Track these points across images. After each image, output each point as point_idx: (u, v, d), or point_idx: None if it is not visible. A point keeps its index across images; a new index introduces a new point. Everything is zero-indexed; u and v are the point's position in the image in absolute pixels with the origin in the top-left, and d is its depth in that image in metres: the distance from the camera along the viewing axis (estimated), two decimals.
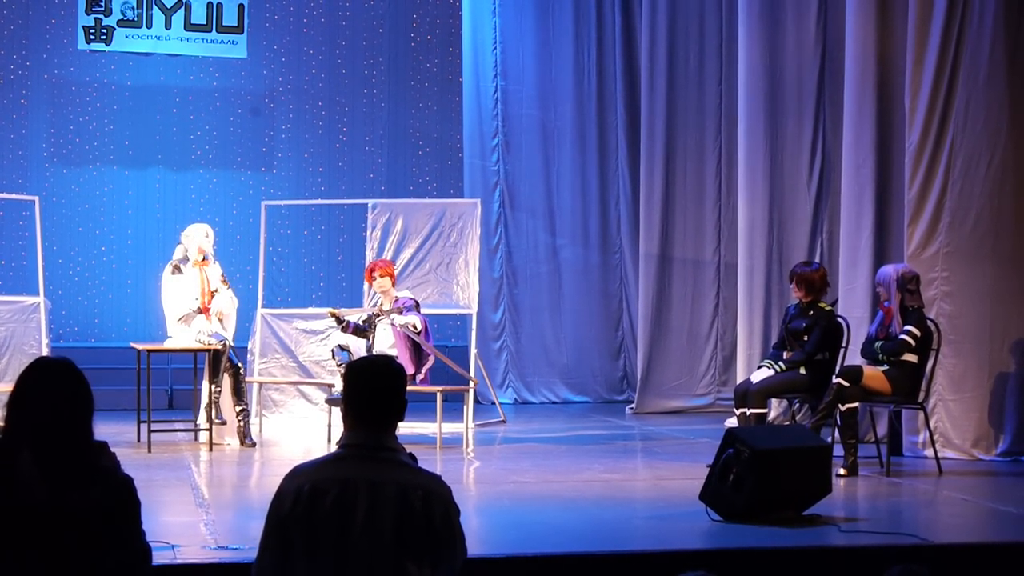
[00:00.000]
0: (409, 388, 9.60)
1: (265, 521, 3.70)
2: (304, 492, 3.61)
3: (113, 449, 3.73)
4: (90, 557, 3.55)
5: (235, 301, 10.11)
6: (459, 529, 3.68)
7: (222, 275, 10.06)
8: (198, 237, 9.93)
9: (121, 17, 13.69)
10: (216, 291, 9.90)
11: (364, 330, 10.04)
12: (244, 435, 9.80)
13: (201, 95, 14.16)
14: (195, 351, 9.81)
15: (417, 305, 10.00)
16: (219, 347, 9.70)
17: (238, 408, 9.83)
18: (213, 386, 9.72)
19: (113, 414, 10.31)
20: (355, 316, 10.16)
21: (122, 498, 3.61)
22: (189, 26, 13.85)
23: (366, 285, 10.96)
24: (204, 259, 9.94)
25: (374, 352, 9.68)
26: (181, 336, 9.85)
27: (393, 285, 10.10)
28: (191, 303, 9.83)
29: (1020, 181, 9.33)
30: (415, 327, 9.75)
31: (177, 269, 9.90)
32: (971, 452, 9.24)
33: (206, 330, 9.80)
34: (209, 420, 9.66)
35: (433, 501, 3.60)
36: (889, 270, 8.75)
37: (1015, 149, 9.28)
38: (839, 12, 10.75)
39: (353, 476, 3.61)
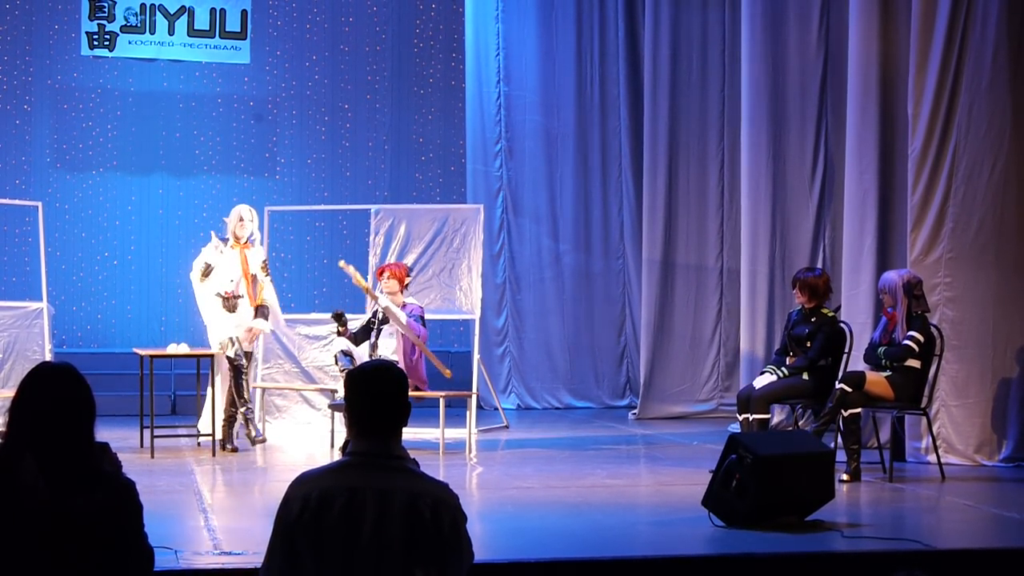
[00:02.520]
0: (412, 394, 9.59)
1: (272, 528, 3.70)
2: (312, 499, 3.61)
3: (116, 454, 3.74)
4: (93, 562, 3.55)
5: (272, 291, 10.09)
6: (466, 536, 3.69)
7: (264, 261, 10.03)
8: (232, 222, 9.94)
9: (124, 23, 13.72)
10: (255, 276, 9.89)
11: (360, 334, 9.99)
12: (252, 433, 9.88)
13: (204, 101, 14.18)
14: (198, 356, 9.79)
15: (422, 316, 9.97)
16: (237, 356, 9.72)
17: (243, 409, 9.87)
18: (241, 408, 9.80)
19: (116, 420, 10.30)
20: (358, 323, 10.13)
21: (124, 503, 3.62)
22: (192, 32, 13.87)
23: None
24: (247, 242, 9.93)
25: (377, 356, 9.66)
26: (220, 324, 9.82)
27: (401, 291, 10.02)
28: (227, 284, 9.83)
29: (1023, 187, 9.33)
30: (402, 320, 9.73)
31: (208, 267, 9.83)
32: (974, 458, 9.23)
33: (244, 324, 9.82)
34: (221, 433, 9.76)
35: (442, 509, 3.61)
36: (894, 276, 8.75)
37: (1018, 155, 9.29)
38: (841, 18, 10.76)
39: (361, 484, 3.61)
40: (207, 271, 9.81)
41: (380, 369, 3.79)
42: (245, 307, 9.91)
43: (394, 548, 3.56)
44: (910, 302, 8.63)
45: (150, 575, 3.73)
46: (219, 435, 9.80)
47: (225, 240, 9.92)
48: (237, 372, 9.82)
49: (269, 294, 10.04)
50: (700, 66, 13.06)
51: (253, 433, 9.84)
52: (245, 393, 9.86)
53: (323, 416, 10.75)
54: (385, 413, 3.69)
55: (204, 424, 9.92)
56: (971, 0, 9.24)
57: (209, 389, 9.79)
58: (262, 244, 10.08)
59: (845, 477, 8.31)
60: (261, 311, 9.98)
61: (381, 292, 9.91)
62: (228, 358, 9.76)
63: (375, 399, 3.70)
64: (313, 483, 3.66)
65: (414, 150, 14.55)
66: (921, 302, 8.69)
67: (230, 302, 9.86)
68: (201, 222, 14.09)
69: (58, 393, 3.64)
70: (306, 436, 10.82)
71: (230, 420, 9.86)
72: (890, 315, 8.71)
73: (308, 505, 3.60)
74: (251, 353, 10.02)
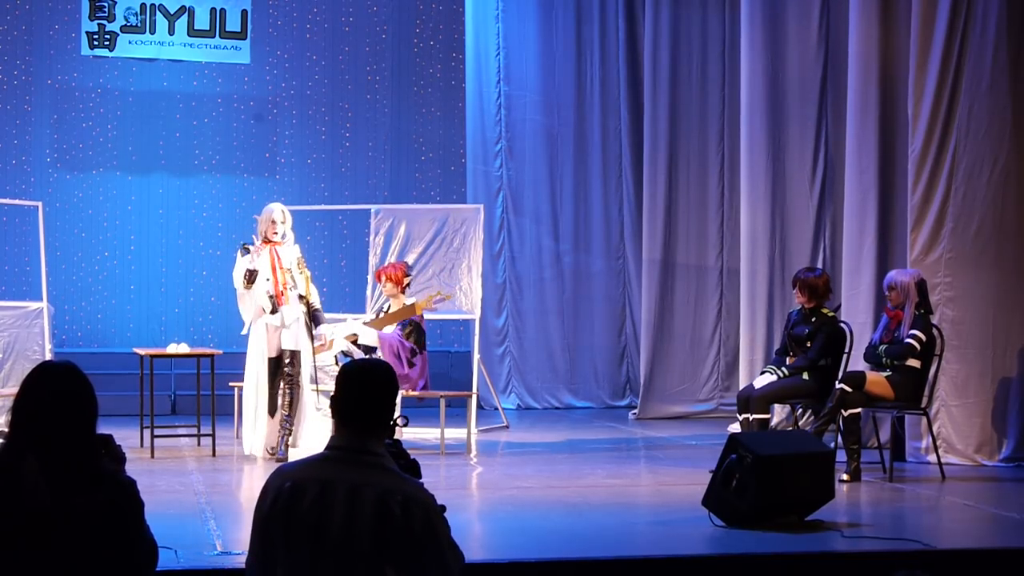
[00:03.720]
0: (412, 393, 9.58)
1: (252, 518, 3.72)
2: (284, 490, 3.62)
3: (119, 446, 3.74)
4: (94, 561, 3.55)
5: (314, 290, 9.33)
6: (445, 536, 3.63)
7: (299, 258, 9.26)
8: (264, 223, 9.26)
9: (125, 23, 13.71)
10: (289, 270, 9.15)
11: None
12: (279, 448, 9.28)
13: (204, 101, 14.18)
14: (198, 356, 9.77)
15: (421, 319, 10.00)
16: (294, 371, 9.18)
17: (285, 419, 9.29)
18: (279, 417, 9.18)
19: (116, 419, 10.28)
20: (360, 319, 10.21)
21: (125, 501, 3.62)
22: (192, 32, 13.87)
23: (369, 288, 10.97)
24: (279, 242, 9.23)
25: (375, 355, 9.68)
26: (265, 333, 9.18)
27: (402, 292, 10.08)
28: (263, 284, 9.12)
29: (1023, 187, 9.34)
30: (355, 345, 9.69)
31: (246, 249, 9.24)
32: (974, 457, 9.24)
33: (291, 327, 9.14)
34: (276, 440, 9.16)
35: (413, 507, 3.56)
36: (904, 275, 8.72)
37: (1018, 155, 9.29)
38: (842, 18, 10.76)
39: (334, 477, 3.60)
40: (252, 277, 9.12)
41: (368, 366, 3.79)
42: (283, 308, 9.16)
43: (363, 544, 3.54)
44: (919, 301, 8.65)
45: (154, 567, 3.74)
46: (271, 442, 9.27)
47: (252, 243, 9.30)
48: (293, 384, 9.26)
49: (312, 293, 9.29)
50: (700, 66, 13.06)
51: (282, 448, 9.24)
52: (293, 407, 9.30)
53: (323, 416, 10.74)
54: (366, 409, 3.68)
55: (251, 443, 9.30)
56: (971, 0, 9.24)
57: (250, 401, 9.27)
58: (293, 243, 9.35)
59: (845, 477, 8.31)
60: (316, 316, 9.25)
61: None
62: (287, 374, 9.20)
63: (358, 395, 3.69)
64: (288, 474, 3.67)
65: (414, 150, 14.55)
66: (925, 301, 8.71)
67: (271, 302, 9.14)
68: (201, 222, 14.11)
69: (62, 392, 3.63)
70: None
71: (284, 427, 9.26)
72: (892, 313, 8.71)
73: (280, 496, 3.61)
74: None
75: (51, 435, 3.57)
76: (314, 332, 9.23)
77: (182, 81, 14.12)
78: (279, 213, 9.27)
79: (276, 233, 9.22)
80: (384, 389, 3.72)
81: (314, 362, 9.35)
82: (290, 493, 3.60)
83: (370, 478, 3.60)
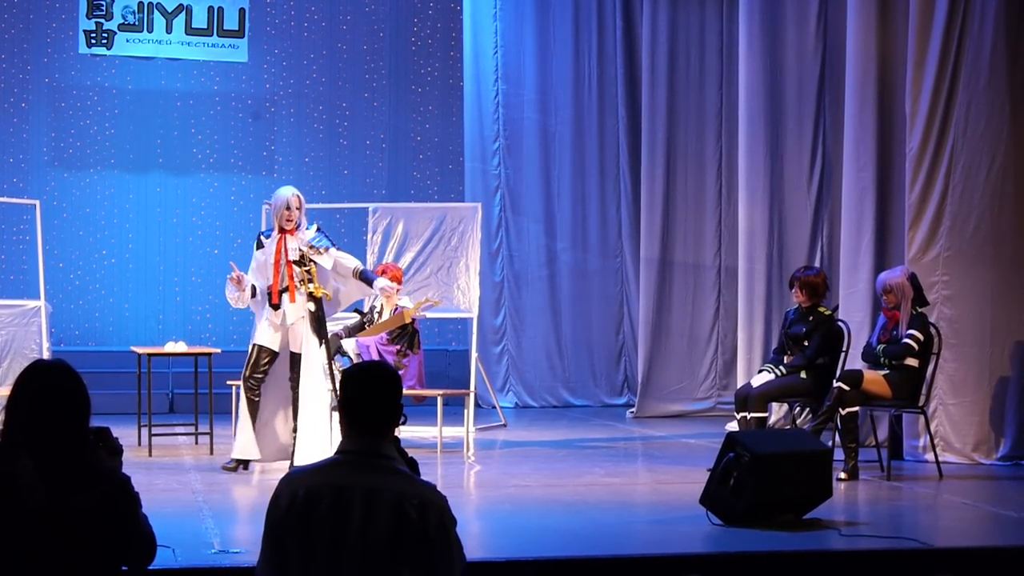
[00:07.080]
0: (415, 392, 9.52)
1: (263, 525, 3.71)
2: (299, 497, 3.61)
3: (116, 439, 3.74)
4: (90, 557, 3.55)
5: (346, 256, 8.65)
6: (455, 539, 3.66)
7: (310, 244, 8.52)
8: (278, 210, 8.55)
9: (122, 21, 13.70)
10: (296, 262, 8.42)
11: (354, 329, 10.07)
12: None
13: (202, 99, 14.17)
14: (196, 354, 9.75)
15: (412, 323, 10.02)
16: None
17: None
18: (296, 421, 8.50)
19: (113, 418, 10.25)
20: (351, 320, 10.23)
21: (121, 499, 3.62)
22: (190, 30, 13.86)
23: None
24: (292, 229, 8.50)
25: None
26: (266, 327, 8.50)
27: (396, 292, 10.11)
28: (261, 282, 8.48)
29: (1021, 185, 9.34)
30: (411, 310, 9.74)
31: (260, 243, 8.62)
32: (971, 456, 9.24)
33: (289, 319, 8.38)
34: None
35: (429, 510, 3.59)
36: (898, 276, 8.70)
37: (1016, 153, 9.29)
38: (839, 16, 10.76)
39: (349, 483, 3.60)
40: (254, 292, 8.50)
41: (373, 369, 3.79)
42: (285, 302, 8.44)
43: (380, 548, 3.55)
44: (915, 294, 8.65)
45: (151, 557, 3.74)
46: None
47: (268, 233, 8.66)
48: (294, 389, 8.63)
49: (346, 260, 8.65)
50: (698, 64, 13.07)
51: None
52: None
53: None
54: (376, 412, 3.69)
55: (247, 448, 8.64)
56: None
57: (246, 406, 8.65)
58: (307, 229, 8.65)
59: (843, 475, 8.31)
60: (366, 276, 8.67)
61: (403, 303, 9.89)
62: (289, 378, 8.58)
63: (366, 398, 3.69)
64: (301, 480, 3.66)
65: (412, 148, 14.54)
66: (920, 295, 8.72)
67: (272, 298, 8.48)
68: (199, 220, 14.11)
69: (52, 390, 3.63)
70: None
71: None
72: (890, 313, 8.71)
73: (295, 503, 3.61)
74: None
75: (45, 433, 3.57)
76: (380, 288, 8.76)
77: (180, 80, 14.11)
78: (293, 199, 8.51)
79: (291, 221, 8.48)
80: (390, 390, 3.72)
81: (328, 361, 8.66)
82: (305, 500, 3.60)
83: (385, 482, 3.61)
